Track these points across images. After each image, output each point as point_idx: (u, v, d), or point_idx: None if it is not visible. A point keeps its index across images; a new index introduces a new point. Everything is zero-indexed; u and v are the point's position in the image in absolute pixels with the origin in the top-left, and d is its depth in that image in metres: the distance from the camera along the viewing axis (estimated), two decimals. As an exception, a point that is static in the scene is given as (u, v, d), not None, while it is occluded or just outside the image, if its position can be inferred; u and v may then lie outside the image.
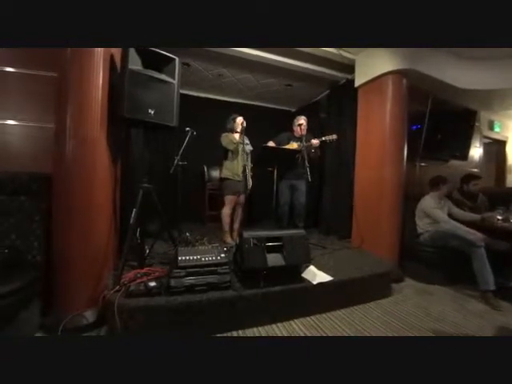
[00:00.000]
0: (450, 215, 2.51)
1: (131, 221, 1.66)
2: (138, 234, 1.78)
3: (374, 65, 2.63)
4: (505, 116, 4.16)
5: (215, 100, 4.05)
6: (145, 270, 1.63)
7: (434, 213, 2.50)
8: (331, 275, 1.90)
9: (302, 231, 1.88)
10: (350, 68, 2.90)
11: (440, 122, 3.03)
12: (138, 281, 1.50)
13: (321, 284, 1.80)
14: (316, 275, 1.88)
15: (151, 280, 1.51)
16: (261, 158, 2.55)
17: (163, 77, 1.69)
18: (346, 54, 2.76)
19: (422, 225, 2.60)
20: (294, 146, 2.79)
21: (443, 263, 2.41)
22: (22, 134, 1.73)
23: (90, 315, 1.49)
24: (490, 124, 4.07)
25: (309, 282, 1.80)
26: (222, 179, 2.71)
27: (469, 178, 2.86)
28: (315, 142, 2.66)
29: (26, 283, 1.34)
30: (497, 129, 4.16)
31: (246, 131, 2.58)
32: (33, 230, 1.56)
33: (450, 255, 2.33)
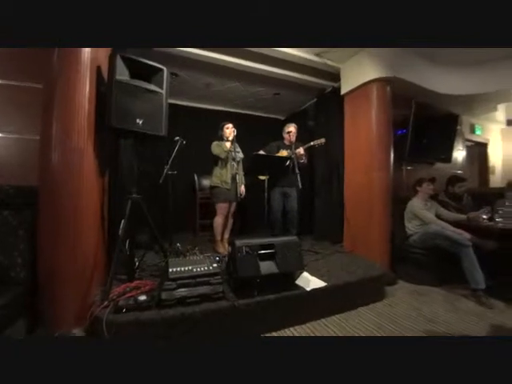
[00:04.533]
0: (438, 216, 2.57)
1: (120, 232, 1.62)
2: (127, 245, 1.74)
3: (358, 73, 2.72)
4: (485, 120, 4.35)
5: (204, 109, 4.07)
6: (135, 283, 1.59)
7: (423, 214, 2.55)
8: (325, 281, 1.90)
9: (294, 238, 1.88)
10: (335, 76, 2.99)
11: (424, 127, 3.13)
12: (128, 295, 1.45)
13: (315, 290, 1.80)
14: (310, 281, 1.87)
15: (141, 294, 1.46)
16: (252, 166, 2.56)
17: (151, 87, 1.69)
18: (331, 63, 2.85)
19: (411, 226, 2.65)
20: (284, 153, 2.82)
21: (433, 264, 2.45)
22: (7, 146, 1.68)
23: (77, 332, 1.43)
24: (471, 127, 4.24)
25: (303, 288, 1.79)
26: (211, 187, 2.70)
27: (454, 180, 2.95)
28: (300, 151, 2.68)
29: (10, 300, 1.28)
30: (478, 132, 4.33)
31: (236, 140, 2.59)
32: (17, 244, 1.50)
33: (440, 256, 2.37)
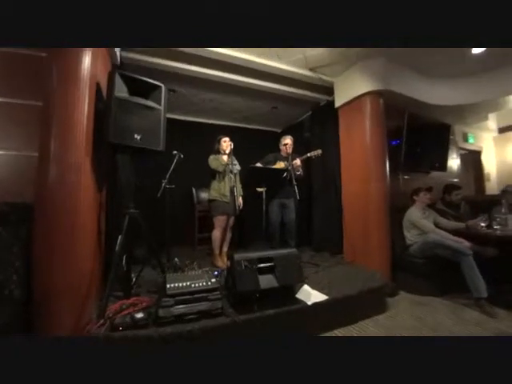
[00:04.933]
0: (436, 225, 2.57)
1: (116, 248, 1.60)
2: (123, 261, 1.71)
3: (351, 87, 2.80)
4: (477, 128, 4.45)
5: (202, 123, 4.13)
6: (131, 300, 1.55)
7: (422, 223, 2.55)
8: (326, 294, 1.87)
9: (293, 250, 1.86)
10: (329, 90, 3.08)
11: (417, 137, 3.21)
12: (124, 313, 1.42)
13: (316, 304, 1.76)
14: (311, 295, 1.84)
15: (138, 311, 1.43)
16: (249, 178, 2.57)
17: (149, 103, 1.72)
18: (325, 77, 2.94)
19: (411, 236, 2.64)
20: (281, 165, 2.84)
21: (434, 274, 2.43)
22: (3, 163, 1.68)
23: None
24: (464, 136, 4.33)
25: (304, 302, 1.76)
26: (209, 201, 2.70)
27: (450, 188, 2.98)
28: (297, 162, 2.71)
29: (4, 318, 1.26)
30: (471, 140, 4.42)
31: (234, 152, 2.62)
32: (11, 262, 1.47)
33: (441, 265, 2.35)
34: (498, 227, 2.42)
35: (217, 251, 2.66)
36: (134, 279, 1.85)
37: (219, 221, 2.62)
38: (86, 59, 1.59)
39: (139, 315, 1.39)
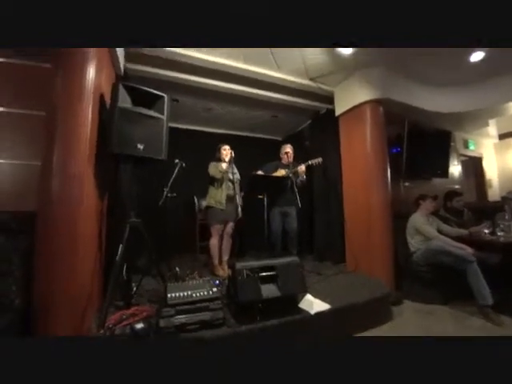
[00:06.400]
0: (440, 232, 2.54)
1: (117, 257, 1.59)
2: (124, 270, 1.70)
3: (351, 96, 2.84)
4: (478, 135, 4.46)
5: (204, 132, 4.17)
6: (131, 310, 1.53)
7: (426, 229, 2.53)
8: (329, 303, 1.84)
9: (295, 258, 1.84)
10: (329, 99, 3.12)
11: (418, 144, 3.22)
12: (124, 323, 1.40)
13: (319, 313, 1.73)
14: (313, 304, 1.80)
15: (138, 321, 1.41)
16: (250, 186, 2.58)
17: (152, 113, 1.75)
18: (325, 86, 2.99)
19: (414, 242, 2.61)
20: (282, 172, 2.85)
21: (438, 281, 2.39)
22: (6, 172, 1.69)
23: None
24: (464, 143, 4.34)
25: (307, 312, 1.73)
26: (206, 208, 2.70)
27: (451, 195, 2.97)
28: (302, 168, 2.72)
29: (3, 328, 1.25)
30: (472, 147, 4.42)
31: (235, 161, 2.63)
32: (11, 271, 1.46)
33: (444, 272, 2.32)
34: (501, 234, 2.40)
35: (216, 260, 2.64)
36: (134, 288, 1.84)
37: (215, 229, 2.62)
38: (90, 70, 1.62)
39: (139, 326, 1.37)
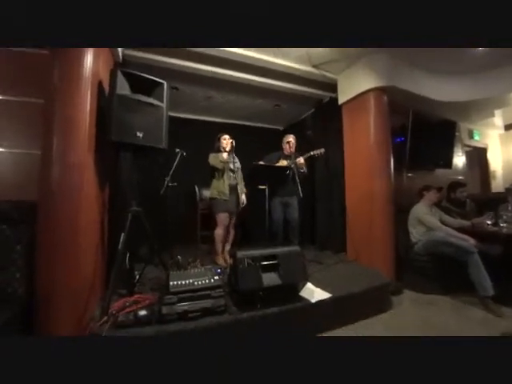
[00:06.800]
0: (442, 223, 2.53)
1: (119, 246, 1.60)
2: (127, 259, 1.71)
3: (355, 83, 2.77)
4: (483, 125, 4.38)
5: (205, 121, 4.12)
6: (134, 297, 1.55)
7: (428, 219, 2.52)
8: (329, 291, 1.85)
9: (297, 248, 1.85)
10: (333, 87, 3.04)
11: (422, 134, 3.16)
12: (127, 310, 1.42)
13: (320, 302, 1.75)
14: (314, 292, 1.82)
15: (141, 308, 1.43)
16: (252, 176, 2.56)
17: (151, 100, 1.72)
18: (328, 74, 2.91)
19: (416, 233, 2.61)
20: (284, 163, 2.82)
21: (439, 272, 2.40)
22: (7, 161, 1.68)
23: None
24: (469, 133, 4.27)
25: (307, 300, 1.75)
26: (210, 199, 2.70)
27: (455, 185, 2.94)
28: (300, 160, 2.69)
29: (7, 317, 1.26)
30: (476, 137, 4.35)
31: (236, 151, 2.60)
32: (14, 260, 1.48)
33: (446, 263, 2.32)
34: (504, 225, 2.39)
35: (219, 250, 2.65)
36: (137, 277, 1.86)
37: (221, 218, 2.61)
38: (88, 57, 1.58)
39: (142, 312, 1.39)
